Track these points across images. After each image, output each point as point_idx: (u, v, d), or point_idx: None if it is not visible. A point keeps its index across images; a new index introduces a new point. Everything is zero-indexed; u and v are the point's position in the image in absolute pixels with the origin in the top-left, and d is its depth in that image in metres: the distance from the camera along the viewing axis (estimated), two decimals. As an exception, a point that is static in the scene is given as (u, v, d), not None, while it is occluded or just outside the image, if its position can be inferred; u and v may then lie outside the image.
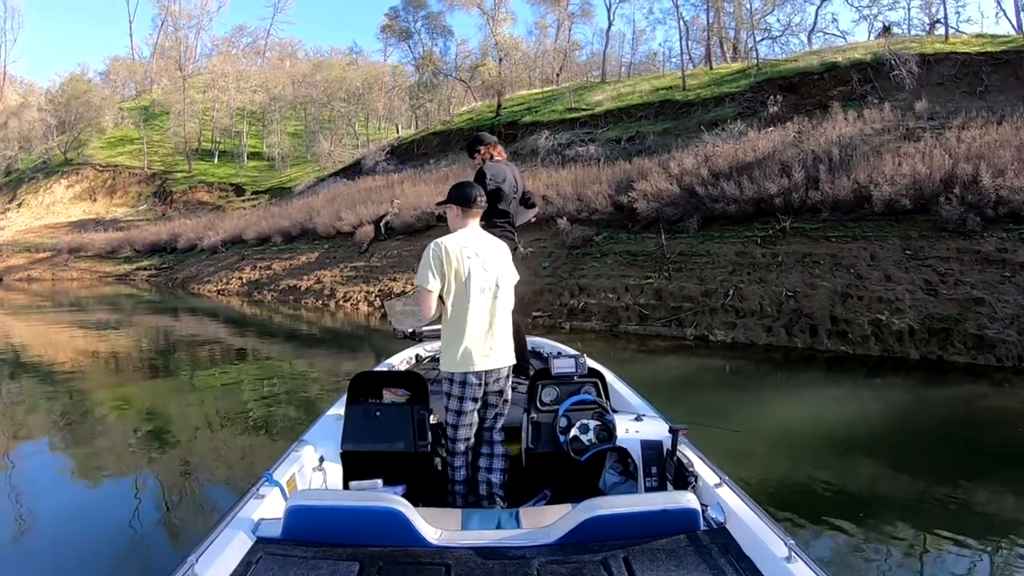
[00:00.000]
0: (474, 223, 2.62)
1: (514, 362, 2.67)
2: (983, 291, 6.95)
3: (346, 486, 2.42)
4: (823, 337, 7.37)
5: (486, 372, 2.52)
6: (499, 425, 2.66)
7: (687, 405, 5.56)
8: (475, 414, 2.57)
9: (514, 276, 2.69)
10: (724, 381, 6.62)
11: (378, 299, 12.85)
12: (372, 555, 1.57)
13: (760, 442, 4.43)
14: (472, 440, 2.60)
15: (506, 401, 2.65)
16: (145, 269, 25.73)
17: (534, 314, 9.87)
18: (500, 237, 3.18)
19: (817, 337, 7.42)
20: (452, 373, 2.51)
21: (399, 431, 2.52)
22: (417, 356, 4.09)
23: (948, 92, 13.72)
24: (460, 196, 2.60)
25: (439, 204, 2.77)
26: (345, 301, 13.62)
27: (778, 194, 9.58)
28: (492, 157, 3.64)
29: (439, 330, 3.99)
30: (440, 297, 2.50)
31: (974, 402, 5.61)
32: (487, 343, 2.50)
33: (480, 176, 3.45)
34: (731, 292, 8.50)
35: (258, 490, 1.92)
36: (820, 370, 6.81)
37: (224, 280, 19.19)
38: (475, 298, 2.47)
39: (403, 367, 3.77)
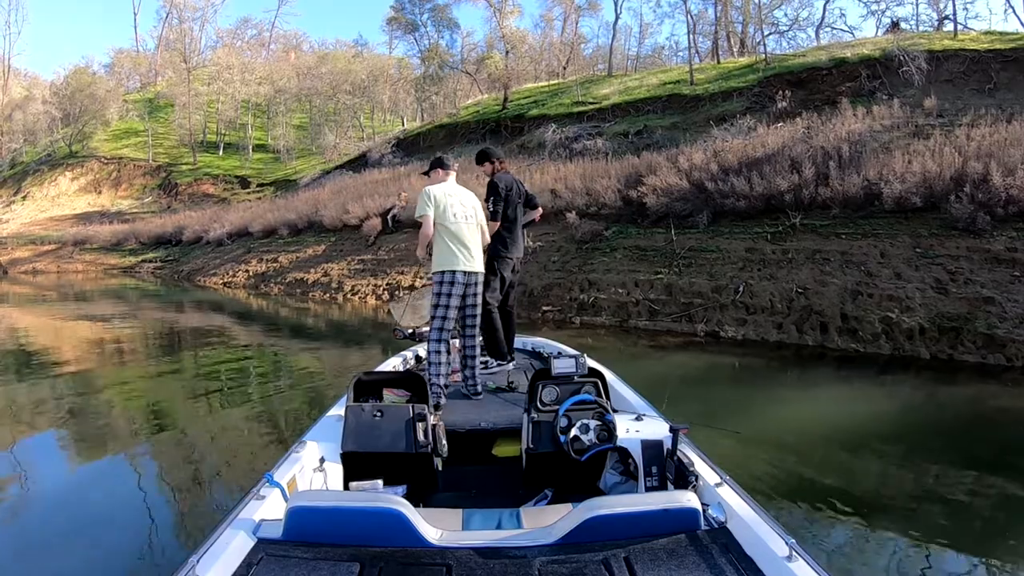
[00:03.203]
0: (451, 178, 3.69)
1: (483, 270, 3.62)
2: (993, 290, 6.93)
3: (346, 487, 2.43)
4: (834, 335, 7.36)
5: (466, 273, 3.45)
6: (478, 325, 3.61)
7: (698, 402, 5.55)
8: (456, 309, 3.46)
9: (481, 212, 3.73)
10: (735, 378, 6.58)
11: (386, 292, 12.86)
12: (373, 556, 1.58)
13: (769, 440, 4.40)
14: (450, 332, 3.45)
15: (477, 304, 3.58)
16: (150, 261, 25.78)
17: (543, 308, 9.90)
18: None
19: (828, 335, 7.41)
20: (442, 272, 3.42)
21: (399, 432, 2.51)
22: (417, 356, 4.09)
23: (957, 89, 13.63)
24: (441, 163, 3.73)
25: (424, 173, 3.85)
26: (353, 294, 13.63)
27: (788, 190, 9.53)
28: (499, 170, 4.25)
29: None
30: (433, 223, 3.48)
31: (984, 402, 5.56)
32: (465, 252, 3.45)
33: (494, 186, 4.08)
34: (741, 288, 8.49)
35: (259, 491, 1.92)
36: (831, 368, 6.77)
37: (230, 273, 19.20)
38: (454, 222, 3.48)
39: (403, 368, 3.78)
